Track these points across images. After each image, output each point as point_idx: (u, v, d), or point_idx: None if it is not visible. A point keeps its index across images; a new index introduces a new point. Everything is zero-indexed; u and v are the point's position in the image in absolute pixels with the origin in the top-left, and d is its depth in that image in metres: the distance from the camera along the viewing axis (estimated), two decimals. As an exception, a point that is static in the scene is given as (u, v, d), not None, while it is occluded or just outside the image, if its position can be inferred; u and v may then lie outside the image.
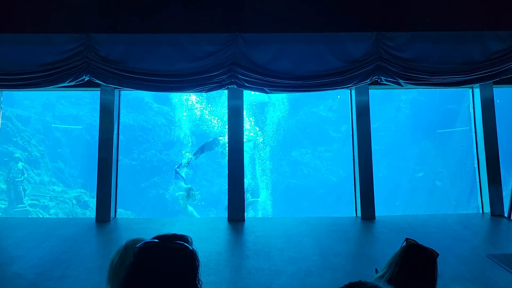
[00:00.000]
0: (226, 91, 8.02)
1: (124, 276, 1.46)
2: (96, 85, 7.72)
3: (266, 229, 7.08)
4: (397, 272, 2.11)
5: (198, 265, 1.50)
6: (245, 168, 7.98)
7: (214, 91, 8.27)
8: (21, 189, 18.46)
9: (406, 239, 2.24)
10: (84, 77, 7.44)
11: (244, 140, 8.13)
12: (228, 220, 7.57)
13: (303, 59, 7.61)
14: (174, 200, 17.97)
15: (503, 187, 7.97)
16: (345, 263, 5.59)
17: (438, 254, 2.17)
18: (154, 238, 1.52)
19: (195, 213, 15.94)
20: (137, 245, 1.49)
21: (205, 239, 6.40)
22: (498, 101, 8.17)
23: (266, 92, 7.78)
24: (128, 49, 7.54)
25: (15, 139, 20.42)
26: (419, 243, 2.26)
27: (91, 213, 18.09)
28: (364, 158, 7.86)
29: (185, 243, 1.50)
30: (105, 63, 7.43)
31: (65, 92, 10.91)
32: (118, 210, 7.94)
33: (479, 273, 5.22)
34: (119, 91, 8.08)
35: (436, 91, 16.23)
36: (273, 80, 7.52)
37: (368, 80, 7.61)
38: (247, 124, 16.85)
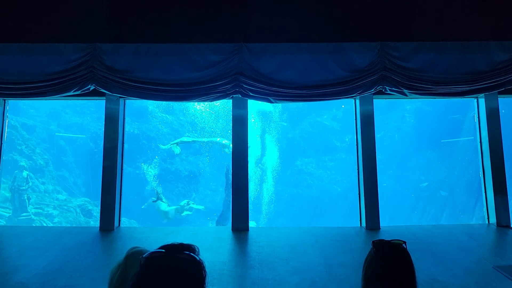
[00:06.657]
0: (230, 101, 8.06)
1: (130, 287, 1.44)
2: (101, 94, 7.78)
3: (270, 239, 7.04)
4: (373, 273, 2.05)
5: (206, 275, 1.48)
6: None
7: (219, 100, 8.30)
8: (26, 197, 18.52)
9: (373, 242, 2.16)
10: (89, 86, 7.50)
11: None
12: (232, 229, 7.55)
13: (308, 68, 7.63)
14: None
15: (509, 197, 7.91)
16: (350, 273, 5.53)
17: (405, 242, 2.12)
18: (161, 247, 1.50)
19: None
20: (144, 255, 1.47)
21: (209, 248, 6.37)
22: (503, 110, 8.16)
23: (271, 102, 7.80)
24: (133, 59, 7.59)
25: (20, 148, 20.55)
26: (399, 245, 2.17)
27: (95, 222, 18.09)
28: (369, 168, 7.84)
29: (192, 253, 1.48)
30: (111, 72, 7.48)
31: (70, 101, 10.97)
32: (122, 219, 7.94)
33: (486, 284, 5.15)
34: (124, 100, 8.13)
35: (440, 101, 16.18)
36: (278, 89, 7.54)
37: (372, 90, 7.61)
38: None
